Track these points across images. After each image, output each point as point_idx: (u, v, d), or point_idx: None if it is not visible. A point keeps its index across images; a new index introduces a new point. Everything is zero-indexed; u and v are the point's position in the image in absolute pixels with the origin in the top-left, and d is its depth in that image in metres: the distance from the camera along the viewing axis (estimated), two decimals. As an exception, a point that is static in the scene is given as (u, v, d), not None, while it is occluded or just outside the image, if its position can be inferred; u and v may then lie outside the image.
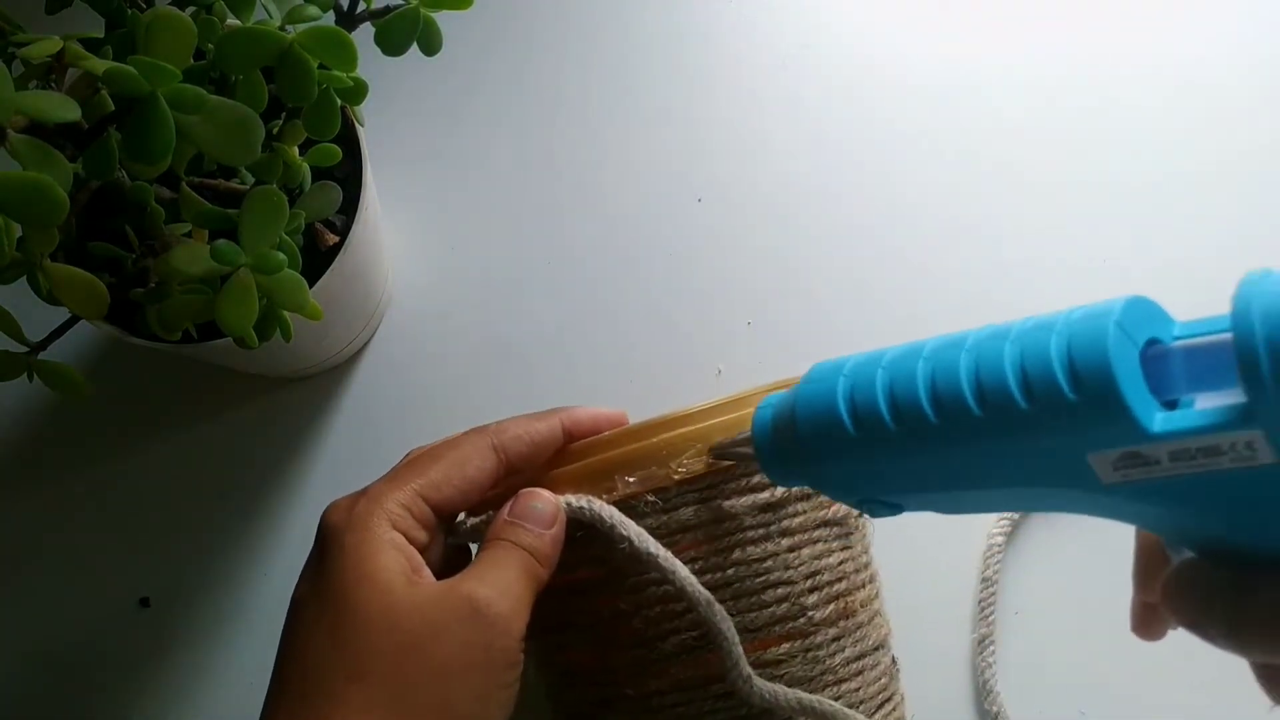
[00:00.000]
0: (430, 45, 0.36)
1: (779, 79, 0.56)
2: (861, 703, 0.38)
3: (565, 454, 0.38)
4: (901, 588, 0.47)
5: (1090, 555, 0.49)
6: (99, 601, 0.50)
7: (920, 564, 0.49)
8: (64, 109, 0.26)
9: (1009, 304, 0.52)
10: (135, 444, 0.52)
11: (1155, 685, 0.47)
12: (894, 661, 0.41)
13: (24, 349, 0.36)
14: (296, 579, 0.35)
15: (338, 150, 0.41)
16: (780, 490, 0.37)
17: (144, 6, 0.37)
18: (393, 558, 0.33)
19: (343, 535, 0.33)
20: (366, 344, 0.53)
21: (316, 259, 0.42)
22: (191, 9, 0.35)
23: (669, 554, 0.35)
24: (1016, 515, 0.49)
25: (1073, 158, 0.54)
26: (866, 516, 0.41)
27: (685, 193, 0.55)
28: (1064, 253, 0.53)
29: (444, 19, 0.35)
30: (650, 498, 0.36)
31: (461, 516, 0.40)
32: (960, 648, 0.48)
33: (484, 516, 0.37)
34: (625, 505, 0.36)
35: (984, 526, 0.49)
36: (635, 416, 0.51)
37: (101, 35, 0.35)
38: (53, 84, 0.33)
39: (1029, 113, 0.55)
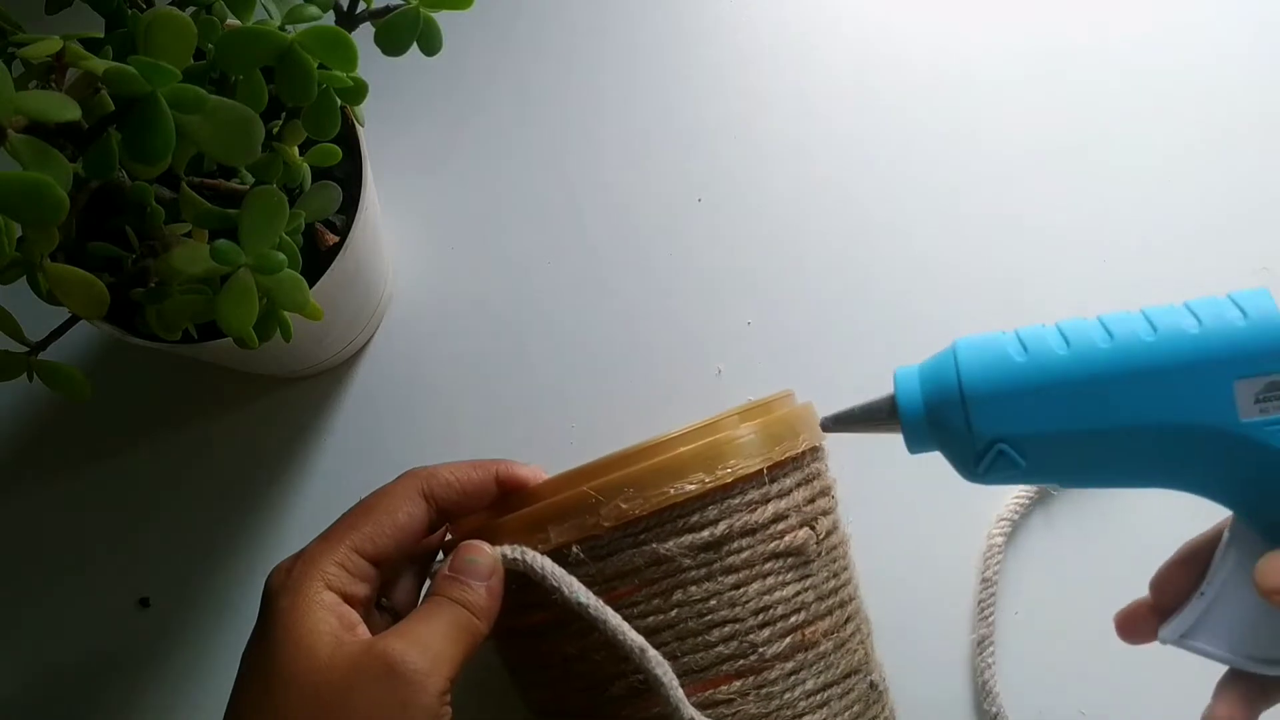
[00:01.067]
0: (430, 45, 0.36)
1: (780, 79, 0.56)
2: None
3: (510, 502, 0.39)
4: (901, 589, 0.47)
5: (1089, 557, 0.49)
6: (99, 601, 0.50)
7: (920, 565, 0.49)
8: (64, 109, 0.26)
9: (1009, 303, 0.52)
10: (135, 444, 0.52)
11: (1155, 686, 0.47)
12: (873, 686, 0.40)
13: (24, 349, 0.36)
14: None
15: (338, 150, 0.41)
16: (720, 528, 0.36)
17: (144, 6, 0.37)
18: (321, 619, 0.34)
19: (278, 599, 0.35)
20: (366, 344, 0.53)
21: (316, 259, 0.42)
22: (191, 9, 0.35)
23: (600, 603, 0.35)
24: (1016, 516, 0.49)
25: (1079, 157, 0.54)
26: (836, 540, 0.40)
27: (685, 193, 0.55)
28: (1064, 252, 0.53)
29: (444, 19, 0.35)
30: (575, 549, 0.36)
31: (440, 556, 0.40)
32: (960, 649, 0.48)
33: (436, 566, 0.38)
34: (560, 554, 0.36)
35: (984, 527, 0.49)
36: (635, 417, 0.52)
37: (101, 35, 0.35)
38: (53, 84, 0.33)
39: (1032, 113, 0.55)
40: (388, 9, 0.35)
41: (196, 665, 0.49)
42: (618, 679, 0.36)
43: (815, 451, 0.40)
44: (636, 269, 0.54)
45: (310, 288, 0.37)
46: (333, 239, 0.43)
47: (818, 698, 0.37)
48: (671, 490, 0.36)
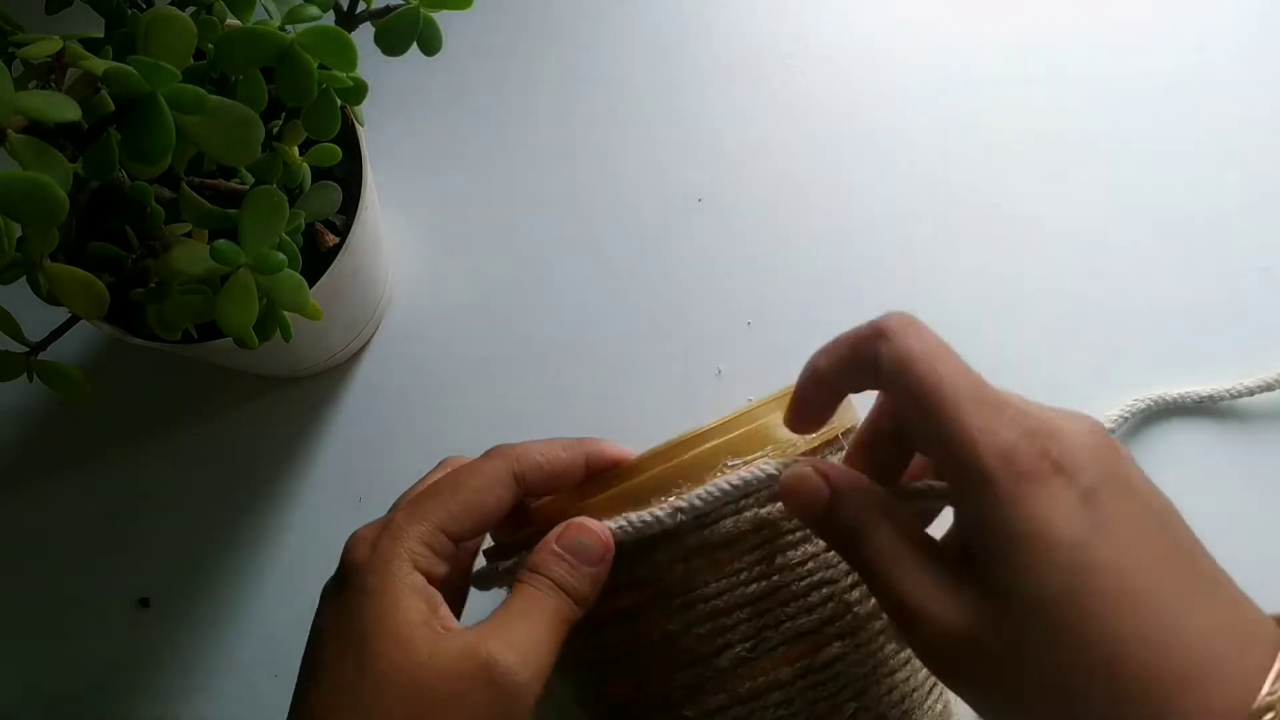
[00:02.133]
0: (430, 45, 0.36)
1: (779, 79, 0.56)
2: (915, 690, 0.38)
3: (594, 483, 0.37)
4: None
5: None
6: (99, 601, 0.50)
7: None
8: (64, 109, 0.26)
9: (1010, 303, 0.52)
10: (135, 444, 0.52)
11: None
12: None
13: (24, 349, 0.36)
14: (295, 580, 0.35)
15: (338, 150, 0.41)
16: None
17: (144, 6, 0.37)
18: (414, 606, 0.32)
19: (365, 576, 0.33)
20: (366, 344, 0.53)
21: (316, 259, 0.42)
22: (191, 9, 0.35)
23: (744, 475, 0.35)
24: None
25: (1080, 158, 0.54)
26: None
27: (685, 193, 0.55)
28: (1066, 253, 0.53)
29: (443, 19, 0.35)
30: (681, 518, 0.35)
31: (486, 541, 0.39)
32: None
33: (515, 559, 0.36)
34: (666, 530, 0.35)
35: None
36: (635, 417, 0.52)
37: (101, 35, 0.35)
38: (53, 84, 0.33)
39: (1033, 112, 0.55)
40: (388, 9, 0.35)
41: (196, 665, 0.49)
42: (725, 650, 0.36)
43: (848, 434, 0.40)
44: (636, 269, 0.54)
45: (310, 288, 0.37)
46: (333, 239, 0.43)
47: (905, 654, 0.38)
48: (769, 453, 0.36)
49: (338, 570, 0.34)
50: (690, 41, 0.57)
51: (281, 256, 0.34)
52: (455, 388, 0.53)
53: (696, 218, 0.54)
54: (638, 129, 0.56)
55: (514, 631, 0.33)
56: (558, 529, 0.35)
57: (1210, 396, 0.49)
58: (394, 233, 0.54)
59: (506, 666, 0.31)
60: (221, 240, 0.33)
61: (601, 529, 0.35)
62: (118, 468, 0.52)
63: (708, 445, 0.36)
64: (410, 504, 0.35)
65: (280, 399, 0.53)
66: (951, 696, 0.40)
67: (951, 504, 0.31)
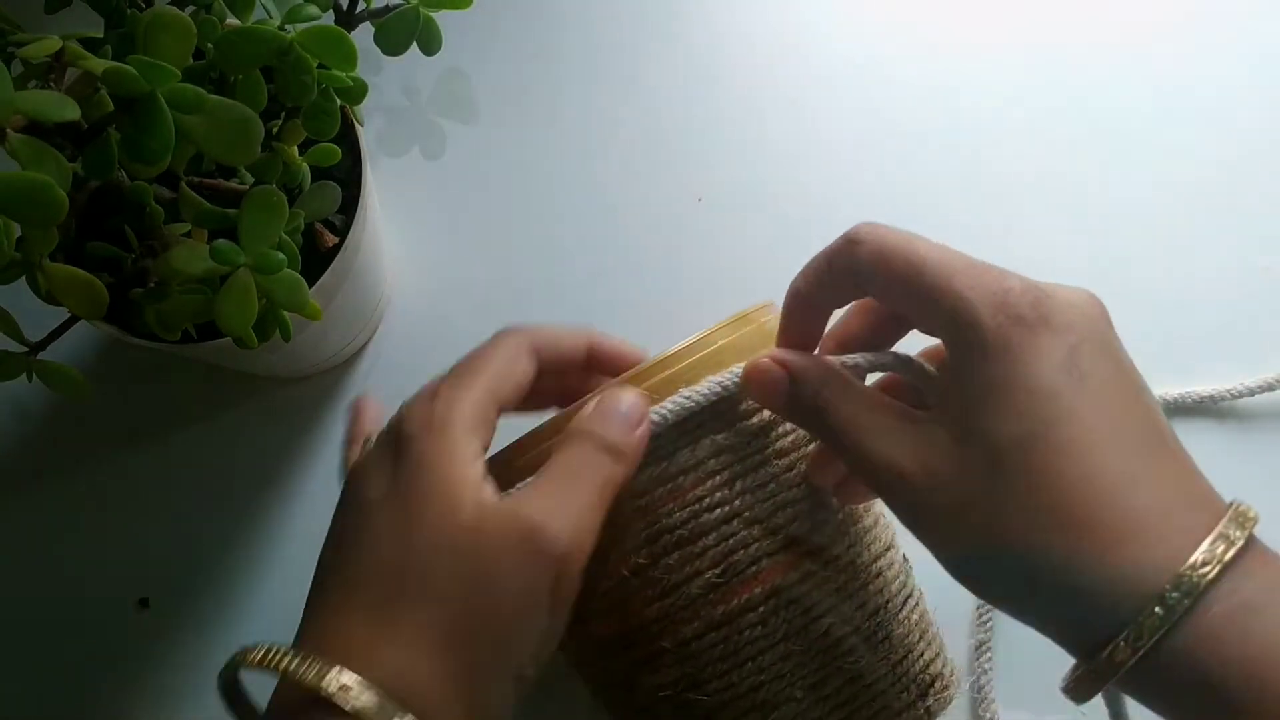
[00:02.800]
0: (430, 45, 0.36)
1: (779, 78, 0.56)
2: (888, 601, 0.38)
3: (544, 429, 0.37)
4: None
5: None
6: (99, 601, 0.50)
7: (917, 569, 0.49)
8: (63, 109, 0.26)
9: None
10: (135, 444, 0.52)
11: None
12: (905, 559, 0.41)
13: (24, 349, 0.36)
14: (295, 581, 0.34)
15: (337, 150, 0.41)
16: (766, 413, 0.37)
17: (143, 6, 0.37)
18: (471, 474, 0.32)
19: (420, 442, 0.33)
20: (366, 344, 0.53)
21: (316, 259, 0.42)
22: (191, 9, 0.35)
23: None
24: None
25: (1078, 158, 0.54)
26: None
27: (685, 193, 0.55)
28: (1067, 253, 0.53)
29: (443, 19, 0.35)
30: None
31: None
32: (957, 654, 0.48)
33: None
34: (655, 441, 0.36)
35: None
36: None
37: (101, 35, 0.35)
38: (52, 84, 0.33)
39: (1034, 111, 0.55)
40: (387, 9, 0.35)
41: (196, 665, 0.49)
42: (695, 577, 0.36)
43: None
44: (637, 269, 0.54)
45: (310, 288, 0.37)
46: (332, 239, 0.43)
47: (876, 566, 0.38)
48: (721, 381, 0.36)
49: (389, 441, 0.34)
50: (690, 41, 0.57)
51: (281, 256, 0.34)
52: (455, 388, 0.53)
53: (696, 218, 0.54)
54: (638, 128, 0.56)
55: (557, 497, 0.32)
56: (590, 397, 0.35)
57: (1210, 396, 0.49)
58: (394, 233, 0.54)
59: (552, 533, 0.31)
60: (221, 240, 0.33)
61: (634, 392, 0.35)
62: (118, 468, 0.52)
63: (663, 375, 0.36)
64: (453, 377, 0.35)
65: (280, 399, 0.53)
66: (927, 607, 0.41)
67: (925, 376, 0.33)
